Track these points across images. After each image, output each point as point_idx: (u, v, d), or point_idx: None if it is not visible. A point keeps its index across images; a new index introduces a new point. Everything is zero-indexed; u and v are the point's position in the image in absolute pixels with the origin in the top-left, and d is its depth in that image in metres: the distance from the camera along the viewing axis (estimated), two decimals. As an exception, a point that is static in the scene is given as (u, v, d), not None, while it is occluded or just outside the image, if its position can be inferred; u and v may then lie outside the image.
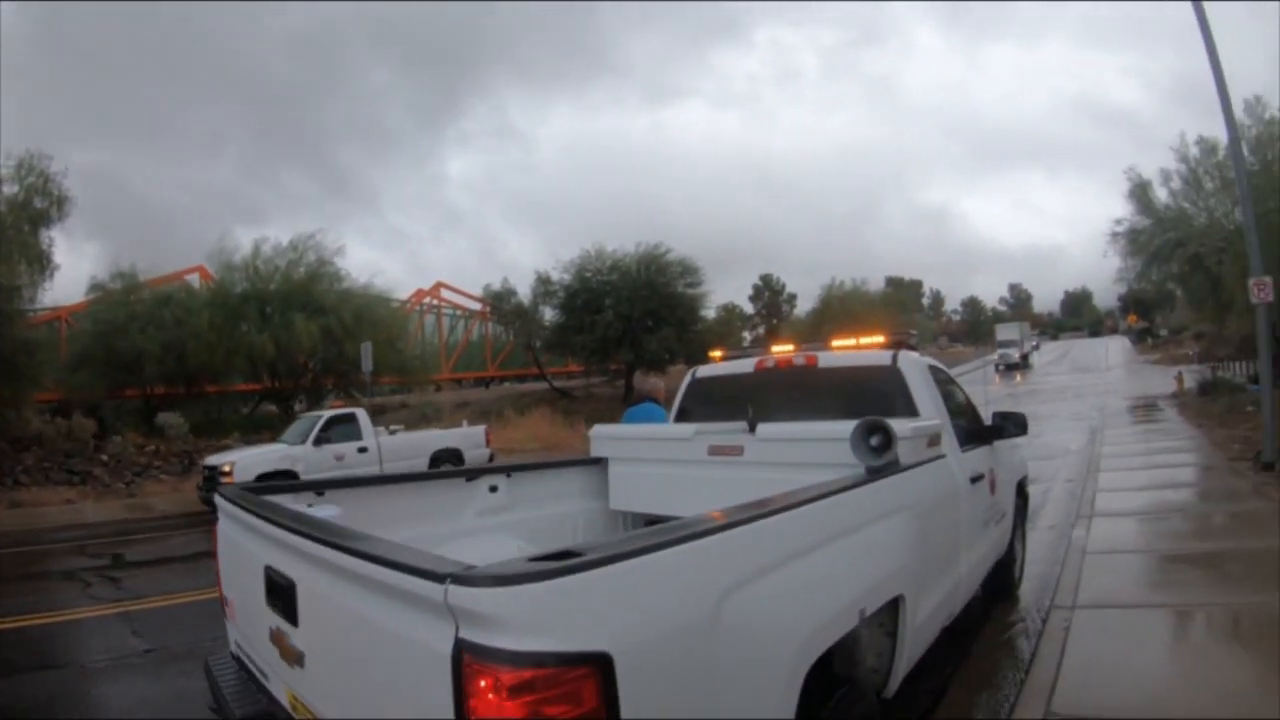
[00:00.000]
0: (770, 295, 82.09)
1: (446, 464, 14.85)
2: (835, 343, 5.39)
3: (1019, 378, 42.79)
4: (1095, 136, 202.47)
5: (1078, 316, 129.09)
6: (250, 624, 2.79)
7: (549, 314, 33.03)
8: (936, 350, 70.58)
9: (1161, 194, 20.82)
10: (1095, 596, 5.43)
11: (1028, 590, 5.92)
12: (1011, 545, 5.50)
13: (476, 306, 37.35)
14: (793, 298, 78.94)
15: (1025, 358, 54.47)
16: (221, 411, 26.73)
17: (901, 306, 57.16)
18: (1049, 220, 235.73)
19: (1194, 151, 18.99)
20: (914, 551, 3.11)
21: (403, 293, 35.72)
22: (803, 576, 2.34)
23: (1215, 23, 10.21)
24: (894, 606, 2.98)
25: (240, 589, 2.93)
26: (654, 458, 4.41)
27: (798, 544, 2.38)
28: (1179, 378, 23.93)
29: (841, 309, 43.77)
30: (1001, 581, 5.48)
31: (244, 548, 2.80)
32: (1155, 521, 7.76)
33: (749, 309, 77.92)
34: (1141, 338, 69.84)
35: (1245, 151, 11.91)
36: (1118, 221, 22.24)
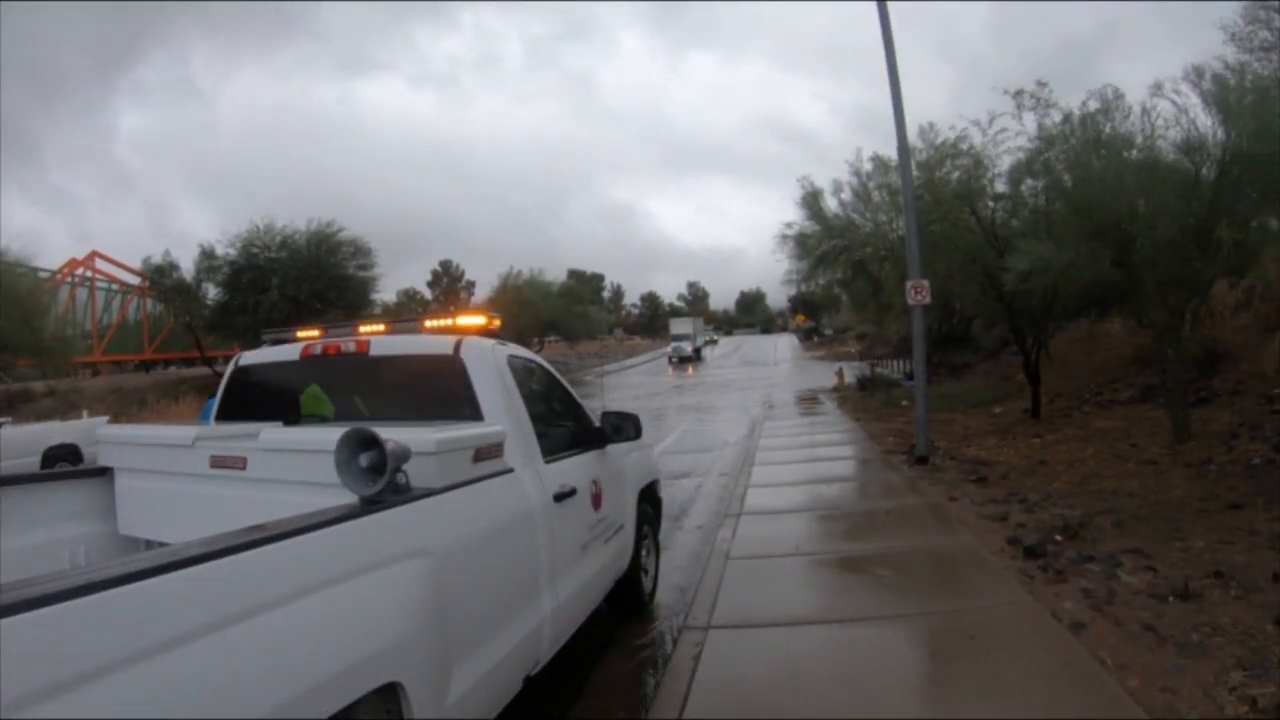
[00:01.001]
0: (449, 281, 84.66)
1: (63, 463, 12.95)
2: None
3: (690, 370, 45.55)
4: (781, 151, 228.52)
5: (751, 314, 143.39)
6: None
7: (213, 292, 31.04)
8: (614, 342, 74.18)
9: (832, 203, 22.65)
10: (733, 613, 4.98)
11: (666, 603, 5.44)
12: (636, 559, 5.09)
13: (136, 280, 33.41)
14: (471, 284, 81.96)
15: (698, 351, 58.85)
16: None
17: (579, 298, 59.80)
18: (731, 224, 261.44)
19: (867, 166, 20.75)
20: (429, 614, 2.40)
21: (58, 261, 32.52)
22: (132, 696, 1.45)
23: (902, 59, 10.91)
24: (394, 693, 2.19)
25: None
26: (160, 469, 3.59)
27: (128, 646, 1.49)
28: (840, 373, 26.50)
29: (517, 298, 44.99)
30: (629, 599, 5.11)
31: None
32: (807, 520, 7.71)
33: (429, 294, 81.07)
34: (809, 336, 78.87)
35: (914, 169, 12.87)
36: (788, 225, 23.88)
